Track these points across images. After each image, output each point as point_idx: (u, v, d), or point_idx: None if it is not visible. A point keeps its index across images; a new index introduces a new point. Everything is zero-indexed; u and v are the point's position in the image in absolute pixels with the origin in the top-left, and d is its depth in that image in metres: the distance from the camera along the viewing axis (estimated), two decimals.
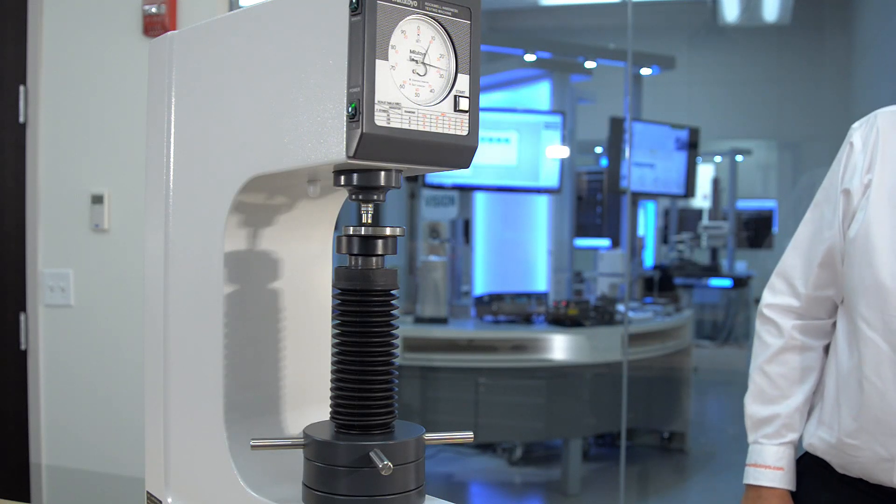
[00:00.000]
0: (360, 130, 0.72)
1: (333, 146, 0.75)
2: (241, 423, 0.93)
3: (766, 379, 1.49)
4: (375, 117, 0.73)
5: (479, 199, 5.52)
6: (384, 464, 0.77)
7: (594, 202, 6.64)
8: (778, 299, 1.49)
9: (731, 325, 6.66)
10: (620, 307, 4.49)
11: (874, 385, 1.29)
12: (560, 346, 4.20)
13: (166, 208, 1.00)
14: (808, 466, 1.47)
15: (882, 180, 1.32)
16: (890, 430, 1.29)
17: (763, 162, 8.33)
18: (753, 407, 1.50)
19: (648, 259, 7.02)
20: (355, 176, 0.82)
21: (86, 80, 2.62)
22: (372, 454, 0.79)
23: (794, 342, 1.47)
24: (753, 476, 1.48)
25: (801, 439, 1.50)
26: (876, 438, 1.30)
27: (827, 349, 1.48)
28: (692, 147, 5.30)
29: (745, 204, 8.20)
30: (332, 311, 0.88)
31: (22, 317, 2.66)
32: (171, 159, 0.99)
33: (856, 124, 1.42)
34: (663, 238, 7.55)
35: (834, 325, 1.46)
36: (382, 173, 0.82)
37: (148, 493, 1.04)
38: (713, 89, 6.80)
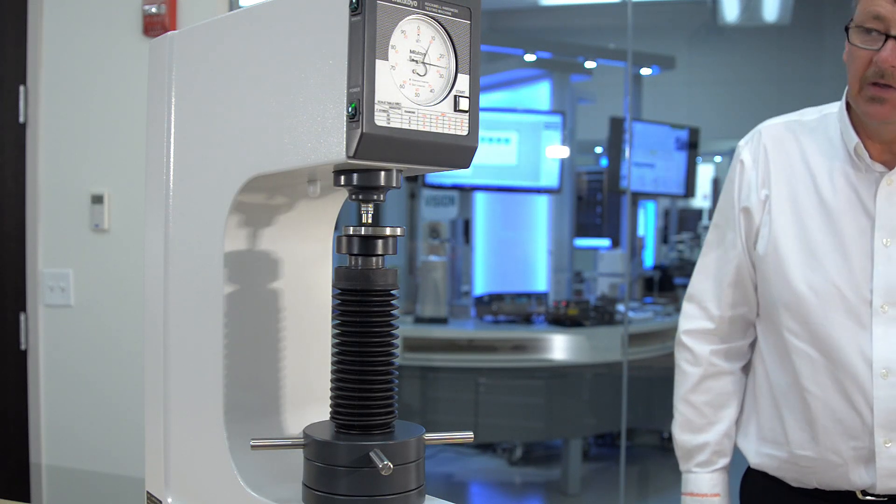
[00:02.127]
0: (360, 130, 0.72)
1: (333, 146, 0.75)
2: (241, 423, 0.93)
3: (690, 408, 1.49)
4: (375, 117, 0.73)
5: (479, 199, 5.52)
6: (384, 464, 0.77)
7: (594, 202, 6.64)
8: (693, 324, 1.50)
9: None
10: (620, 307, 4.49)
11: (815, 395, 1.31)
12: (560, 346, 4.20)
13: (166, 208, 1.00)
14: (761, 486, 1.46)
15: (780, 193, 1.36)
16: (839, 436, 1.31)
17: None
18: (683, 437, 1.51)
19: (648, 259, 7.02)
20: (355, 176, 0.82)
21: (86, 80, 2.61)
22: (372, 454, 0.79)
23: (713, 369, 1.47)
24: None
25: (731, 462, 1.50)
26: (827, 446, 1.32)
27: (744, 369, 1.49)
28: (692, 147, 5.30)
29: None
30: (332, 311, 0.88)
31: (22, 317, 2.66)
32: (171, 159, 0.99)
33: (742, 141, 1.45)
34: (663, 238, 7.55)
35: (750, 346, 1.47)
36: (382, 173, 0.82)
37: (148, 493, 1.04)
38: (713, 89, 6.79)
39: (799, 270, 1.32)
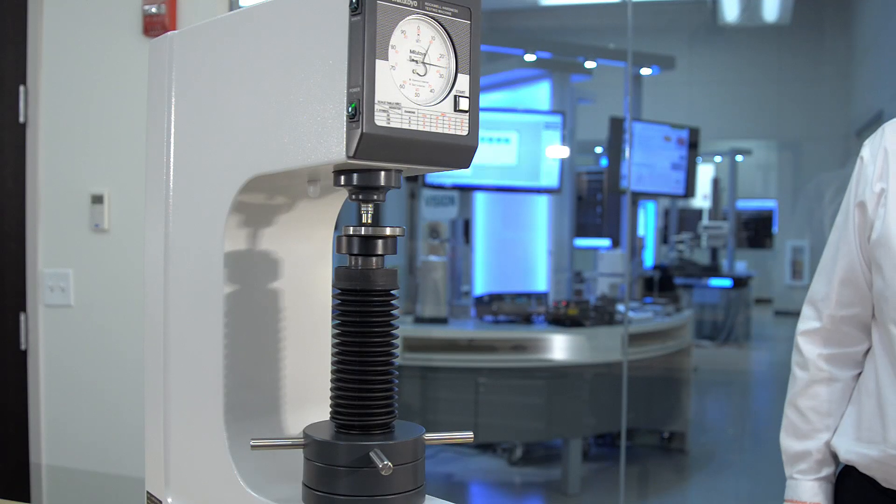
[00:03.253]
0: (360, 130, 0.72)
1: (333, 146, 0.75)
2: (241, 423, 0.93)
3: (797, 413, 1.47)
4: (375, 117, 0.73)
5: (479, 199, 5.52)
6: (384, 464, 0.77)
7: (594, 202, 6.64)
8: (805, 325, 1.47)
9: (731, 325, 6.67)
10: (620, 307, 4.49)
11: None
12: (560, 346, 4.20)
13: (166, 208, 1.00)
14: (850, 482, 1.44)
15: None
16: None
17: (763, 162, 8.34)
18: (787, 442, 1.48)
19: (648, 259, 7.03)
20: (355, 176, 0.82)
21: (86, 80, 2.61)
22: (372, 454, 0.79)
23: (821, 374, 1.44)
24: None
25: (837, 468, 1.47)
26: None
27: (857, 378, 1.46)
28: (692, 147, 5.30)
29: (744, 204, 8.21)
30: (332, 311, 0.88)
31: (22, 317, 2.66)
32: (171, 159, 0.99)
33: (866, 140, 1.41)
34: (663, 238, 7.57)
35: (865, 353, 1.44)
36: (382, 173, 0.82)
37: (148, 493, 1.04)
38: (713, 89, 6.80)
39: None
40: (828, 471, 1.46)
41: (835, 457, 1.46)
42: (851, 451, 1.39)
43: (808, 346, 1.46)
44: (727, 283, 6.66)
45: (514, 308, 4.39)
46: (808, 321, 1.47)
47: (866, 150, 1.38)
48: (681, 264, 6.67)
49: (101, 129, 2.61)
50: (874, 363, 1.39)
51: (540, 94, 5.48)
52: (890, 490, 1.35)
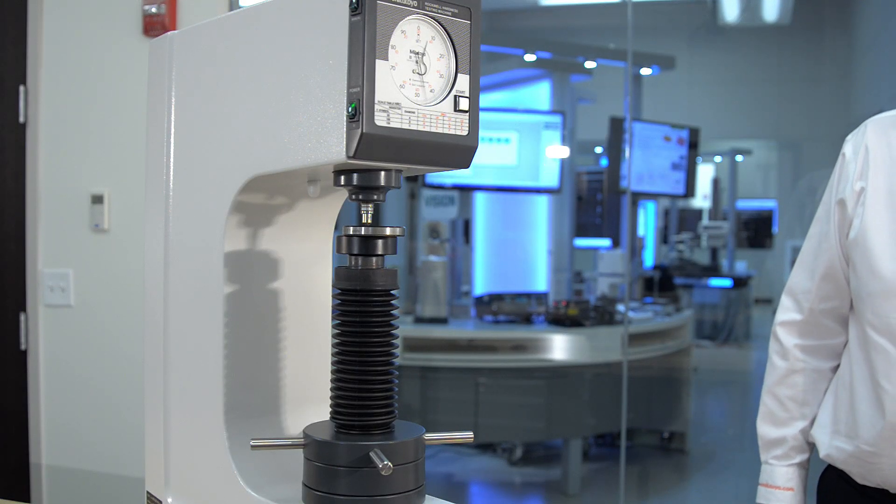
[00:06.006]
0: (360, 130, 0.72)
1: (333, 146, 0.75)
2: (241, 423, 0.93)
3: (775, 401, 1.49)
4: (375, 117, 0.73)
5: (479, 199, 5.52)
6: (384, 464, 0.77)
7: (594, 202, 6.64)
8: (784, 316, 1.49)
9: (731, 325, 6.67)
10: (620, 307, 4.49)
11: (887, 392, 1.28)
12: (560, 346, 4.20)
13: (166, 208, 1.00)
14: (830, 479, 1.45)
15: (876, 185, 1.32)
16: None
17: (763, 162, 8.34)
18: (764, 428, 1.50)
19: (648, 259, 7.03)
20: (355, 176, 0.82)
21: (86, 80, 2.61)
22: (372, 454, 0.79)
23: (800, 364, 1.46)
24: (765, 496, 1.49)
25: (813, 455, 1.49)
26: (894, 445, 1.29)
27: (836, 369, 1.47)
28: (692, 147, 5.30)
29: (744, 204, 8.20)
30: (332, 311, 0.88)
31: (22, 317, 2.66)
32: (171, 159, 0.99)
33: (849, 135, 1.42)
34: (663, 238, 7.56)
35: (843, 345, 1.45)
36: (382, 173, 0.82)
37: (148, 493, 1.04)
38: (713, 89, 6.80)
39: (885, 262, 1.28)
40: (802, 457, 1.48)
41: (811, 444, 1.47)
42: (829, 445, 1.41)
43: (788, 337, 1.48)
44: (727, 283, 6.66)
45: (514, 308, 4.39)
46: (788, 312, 1.49)
47: (849, 146, 1.39)
48: (681, 264, 6.67)
49: (101, 129, 2.61)
50: (849, 358, 1.41)
51: (540, 94, 5.48)
52: (866, 487, 1.36)
